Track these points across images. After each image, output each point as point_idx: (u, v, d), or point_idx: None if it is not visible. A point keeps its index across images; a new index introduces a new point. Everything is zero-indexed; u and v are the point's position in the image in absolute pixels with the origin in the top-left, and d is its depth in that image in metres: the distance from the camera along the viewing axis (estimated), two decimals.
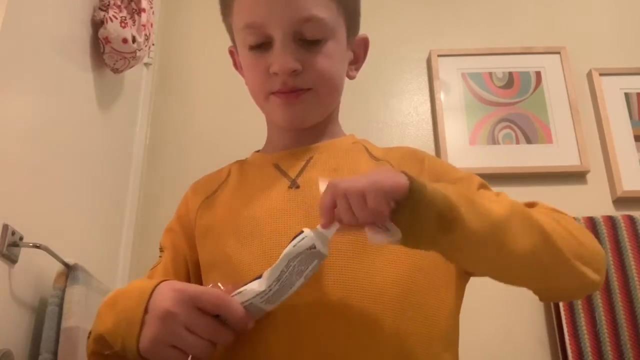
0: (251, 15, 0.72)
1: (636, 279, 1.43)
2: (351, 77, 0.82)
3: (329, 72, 0.74)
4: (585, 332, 1.40)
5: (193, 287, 0.59)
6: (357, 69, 0.84)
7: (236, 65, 0.85)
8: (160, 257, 0.79)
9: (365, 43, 0.84)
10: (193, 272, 0.76)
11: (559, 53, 1.79)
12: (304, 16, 0.70)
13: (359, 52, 0.83)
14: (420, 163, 0.77)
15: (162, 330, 0.55)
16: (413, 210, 0.53)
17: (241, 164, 0.82)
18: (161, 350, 0.56)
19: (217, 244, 0.71)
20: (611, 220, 1.51)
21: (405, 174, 0.54)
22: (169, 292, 0.57)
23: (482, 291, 1.61)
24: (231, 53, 0.85)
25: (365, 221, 0.53)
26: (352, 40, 0.80)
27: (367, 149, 0.79)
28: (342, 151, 0.77)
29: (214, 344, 0.57)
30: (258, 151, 0.85)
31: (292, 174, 0.73)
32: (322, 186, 0.57)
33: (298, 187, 0.71)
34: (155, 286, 0.59)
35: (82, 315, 1.04)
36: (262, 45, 0.72)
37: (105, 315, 0.62)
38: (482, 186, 0.76)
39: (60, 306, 1.03)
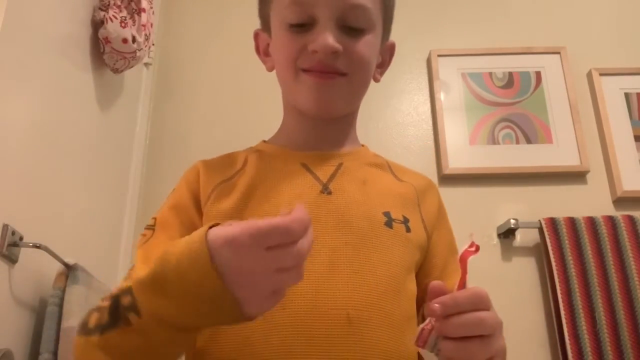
0: None
1: (636, 279, 1.43)
2: (377, 80, 0.82)
3: (367, 61, 0.73)
4: (585, 332, 1.40)
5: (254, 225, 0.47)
6: (381, 73, 0.84)
7: (258, 50, 0.82)
8: (150, 228, 0.71)
9: (392, 49, 0.85)
10: None
11: (559, 53, 1.79)
12: (354, 2, 0.70)
13: (385, 57, 0.84)
14: (438, 197, 0.79)
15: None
16: None
17: (259, 154, 0.77)
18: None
19: None
20: (611, 220, 1.51)
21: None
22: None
23: None
24: (256, 36, 0.82)
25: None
26: (384, 43, 0.81)
27: (390, 166, 0.80)
28: (367, 163, 0.77)
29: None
30: (266, 141, 0.81)
31: (324, 178, 0.71)
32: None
33: (330, 193, 0.69)
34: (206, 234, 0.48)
35: (82, 316, 1.04)
36: (304, 26, 0.71)
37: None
38: (455, 250, 0.78)
39: (60, 306, 1.03)
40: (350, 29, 0.71)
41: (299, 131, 0.78)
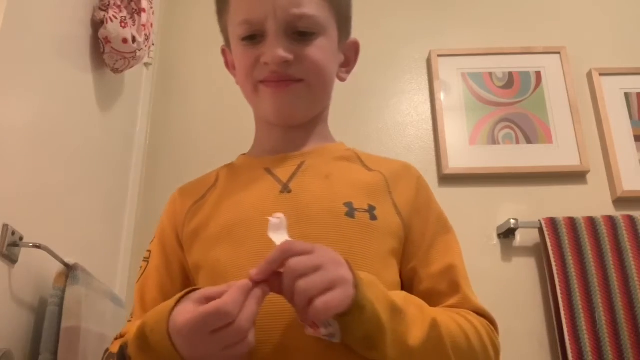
0: (248, 11, 0.74)
1: (636, 279, 1.43)
2: (342, 79, 0.83)
3: (320, 64, 0.74)
4: (585, 332, 1.40)
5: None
6: (347, 72, 0.84)
7: (228, 65, 0.85)
8: (146, 261, 0.78)
9: (356, 47, 0.85)
10: (185, 275, 0.76)
11: (559, 53, 1.79)
12: (297, 13, 0.72)
13: (349, 55, 0.84)
14: (415, 180, 0.77)
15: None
16: (347, 323, 0.54)
17: (229, 167, 0.82)
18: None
19: (207, 247, 0.70)
20: (611, 220, 1.51)
21: (355, 279, 0.55)
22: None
23: (481, 291, 1.61)
24: (224, 52, 0.86)
25: (299, 305, 0.53)
26: (343, 43, 0.82)
27: (359, 158, 0.79)
28: (334, 158, 0.77)
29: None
30: (244, 154, 0.84)
31: (284, 178, 0.73)
32: (275, 236, 0.57)
33: (290, 191, 0.71)
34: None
35: (82, 315, 1.04)
36: (255, 38, 0.73)
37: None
38: (444, 231, 0.76)
39: (60, 306, 1.03)
40: (300, 35, 0.73)
41: (267, 139, 0.80)
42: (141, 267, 0.79)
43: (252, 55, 0.73)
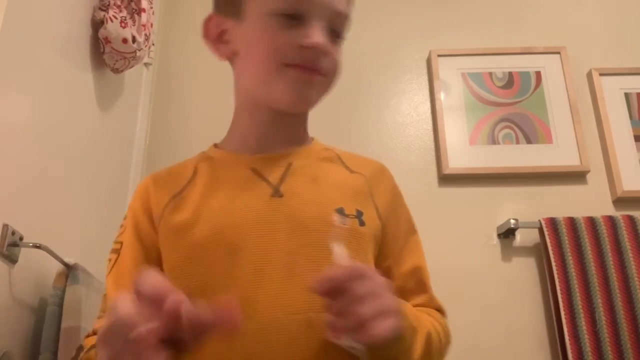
0: None
1: (636, 279, 1.43)
2: None
3: (340, 68, 0.74)
4: (585, 332, 1.40)
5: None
6: None
7: (208, 34, 0.78)
8: (116, 252, 0.74)
9: None
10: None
11: (559, 53, 1.79)
12: (342, 11, 0.72)
13: None
14: (391, 182, 0.79)
15: None
16: (383, 353, 0.56)
17: (209, 162, 0.77)
18: None
19: (193, 251, 0.67)
20: (611, 220, 1.51)
21: (403, 319, 0.56)
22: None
23: (481, 291, 1.62)
24: (209, 20, 0.78)
25: (349, 325, 0.53)
26: None
27: (340, 158, 0.78)
28: (319, 159, 0.76)
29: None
30: (217, 145, 0.81)
31: (273, 181, 0.71)
32: (337, 250, 0.57)
33: (282, 195, 0.69)
34: None
35: (82, 315, 1.04)
36: (293, 19, 0.70)
37: None
38: (412, 231, 0.78)
39: (60, 306, 1.03)
40: (333, 34, 0.72)
41: (252, 130, 0.76)
42: (110, 259, 0.74)
43: (287, 34, 0.69)
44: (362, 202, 0.72)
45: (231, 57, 0.77)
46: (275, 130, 0.76)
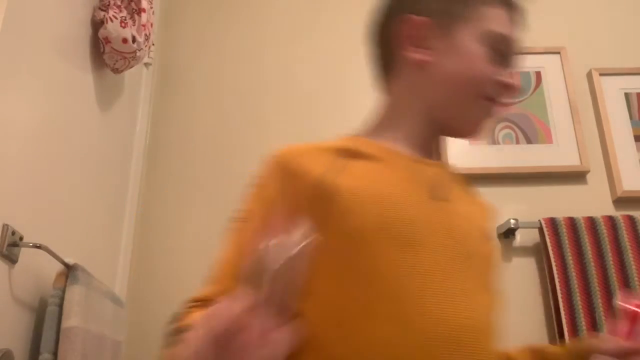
0: (511, 30, 0.80)
1: (636, 279, 1.43)
2: None
3: None
4: (585, 332, 1.40)
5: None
6: None
7: (404, 35, 0.75)
8: (243, 221, 0.67)
9: None
10: None
11: (559, 53, 1.79)
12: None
13: None
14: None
15: None
16: None
17: (360, 154, 0.71)
18: None
19: (371, 228, 0.63)
20: (611, 220, 1.51)
21: None
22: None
23: None
24: (409, 21, 0.74)
25: None
26: None
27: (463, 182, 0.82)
28: (455, 178, 0.78)
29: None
30: (365, 136, 0.79)
31: (432, 185, 0.70)
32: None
33: (443, 200, 0.69)
34: None
35: (82, 315, 1.05)
36: (496, 53, 0.73)
37: None
38: None
39: (60, 306, 1.03)
40: None
41: (415, 139, 0.75)
42: (234, 228, 0.68)
43: (491, 67, 0.72)
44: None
45: (422, 64, 0.74)
46: (430, 144, 0.77)
